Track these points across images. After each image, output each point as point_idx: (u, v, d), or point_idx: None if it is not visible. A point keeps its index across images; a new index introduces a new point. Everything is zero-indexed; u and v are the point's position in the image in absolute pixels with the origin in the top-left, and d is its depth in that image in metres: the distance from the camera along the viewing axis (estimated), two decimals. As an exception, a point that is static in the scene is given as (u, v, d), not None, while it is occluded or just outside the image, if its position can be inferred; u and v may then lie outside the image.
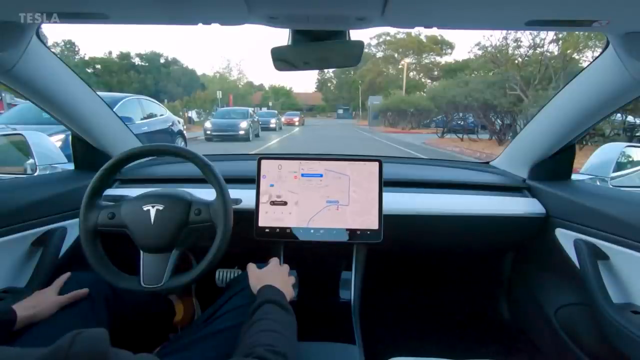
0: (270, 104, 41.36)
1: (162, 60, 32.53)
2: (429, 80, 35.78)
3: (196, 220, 0.84)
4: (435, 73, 35.74)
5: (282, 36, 0.77)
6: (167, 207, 0.83)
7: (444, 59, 36.78)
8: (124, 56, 30.93)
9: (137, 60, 31.66)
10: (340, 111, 44.06)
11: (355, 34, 0.75)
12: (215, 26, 0.66)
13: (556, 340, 1.07)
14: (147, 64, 31.29)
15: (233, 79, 39.00)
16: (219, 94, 23.79)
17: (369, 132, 18.78)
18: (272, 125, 18.07)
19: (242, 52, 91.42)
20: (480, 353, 0.78)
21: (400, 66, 35.50)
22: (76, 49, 30.87)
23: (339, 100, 46.95)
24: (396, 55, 36.93)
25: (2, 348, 0.36)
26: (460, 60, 30.31)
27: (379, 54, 37.76)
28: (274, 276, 0.79)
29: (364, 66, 35.91)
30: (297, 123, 24.65)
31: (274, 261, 0.86)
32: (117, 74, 28.05)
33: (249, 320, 0.64)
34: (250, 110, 14.00)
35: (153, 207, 0.82)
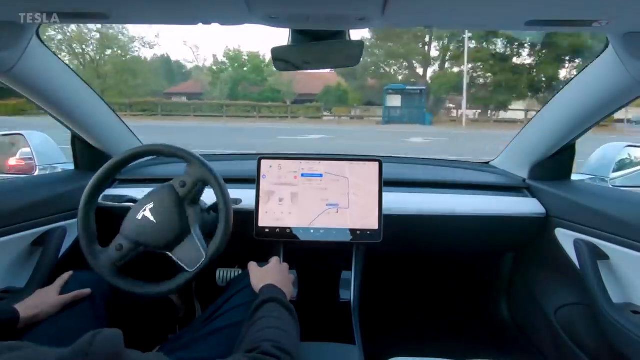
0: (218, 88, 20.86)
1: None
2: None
3: (187, 191, 0.83)
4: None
5: (282, 36, 0.74)
6: (156, 201, 0.82)
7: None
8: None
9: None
10: (396, 103, 16.81)
11: (355, 34, 0.75)
12: (215, 26, 0.66)
13: (556, 340, 1.07)
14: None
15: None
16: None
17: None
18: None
19: None
20: (480, 353, 0.78)
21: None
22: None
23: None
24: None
25: (25, 344, 0.37)
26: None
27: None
28: (275, 275, 0.79)
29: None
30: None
31: (274, 260, 0.86)
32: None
33: (252, 318, 0.64)
34: None
35: (145, 209, 0.82)
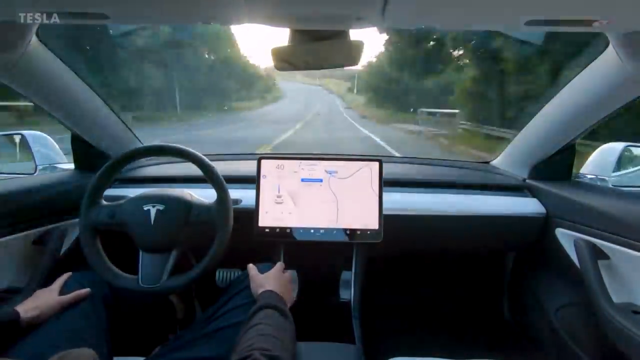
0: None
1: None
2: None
3: (196, 222, 0.84)
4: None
5: (282, 36, 0.74)
6: (168, 208, 0.83)
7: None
8: None
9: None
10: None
11: (355, 34, 0.75)
12: (214, 25, 0.66)
13: (556, 340, 1.06)
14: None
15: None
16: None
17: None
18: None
19: None
20: (481, 353, 0.78)
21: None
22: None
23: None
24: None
25: None
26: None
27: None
28: (275, 281, 0.78)
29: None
30: None
31: (277, 266, 0.86)
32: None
33: (247, 324, 0.63)
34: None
35: (154, 207, 0.82)
